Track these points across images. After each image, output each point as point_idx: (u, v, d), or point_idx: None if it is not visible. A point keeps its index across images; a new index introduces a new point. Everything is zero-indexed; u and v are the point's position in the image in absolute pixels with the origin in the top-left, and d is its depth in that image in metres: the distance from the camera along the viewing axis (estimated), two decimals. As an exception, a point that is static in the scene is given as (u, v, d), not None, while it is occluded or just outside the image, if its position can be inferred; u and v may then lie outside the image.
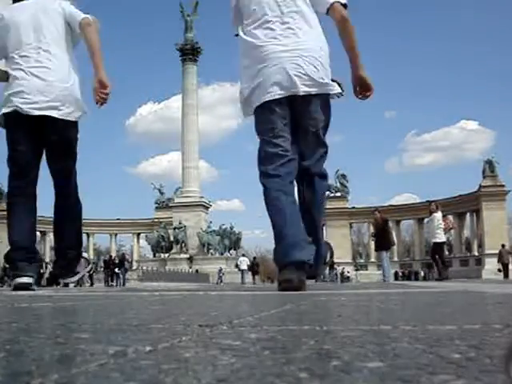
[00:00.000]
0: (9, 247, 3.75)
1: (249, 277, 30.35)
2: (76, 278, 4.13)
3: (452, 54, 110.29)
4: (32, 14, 3.79)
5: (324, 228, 3.88)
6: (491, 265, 34.56)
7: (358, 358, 0.55)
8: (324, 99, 3.20)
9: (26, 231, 3.75)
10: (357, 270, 49.77)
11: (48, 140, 3.76)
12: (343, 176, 53.69)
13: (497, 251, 25.74)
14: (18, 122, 3.65)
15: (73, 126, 3.80)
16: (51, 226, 4.12)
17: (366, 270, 51.05)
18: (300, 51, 3.11)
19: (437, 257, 12.16)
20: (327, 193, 38.25)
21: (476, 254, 48.70)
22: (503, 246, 25.85)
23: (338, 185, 53.75)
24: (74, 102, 3.73)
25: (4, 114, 3.69)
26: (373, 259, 50.54)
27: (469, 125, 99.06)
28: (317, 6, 3.26)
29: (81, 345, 0.69)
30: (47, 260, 29.51)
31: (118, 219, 59.78)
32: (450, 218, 19.49)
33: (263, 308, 1.62)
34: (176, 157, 77.71)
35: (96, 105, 3.69)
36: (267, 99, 3.10)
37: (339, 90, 3.22)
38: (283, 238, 2.97)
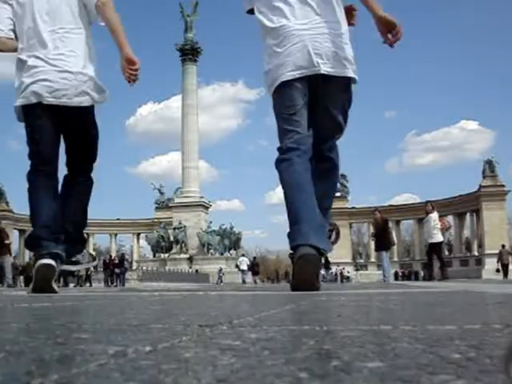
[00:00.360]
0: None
1: (249, 277, 30.35)
2: (76, 267, 3.69)
3: (452, 53, 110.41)
4: None
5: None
6: (491, 265, 34.52)
7: (358, 358, 0.55)
8: (345, 82, 3.16)
9: (51, 210, 3.41)
10: (357, 269, 49.81)
11: (67, 127, 3.65)
12: (343, 176, 53.68)
13: (497, 251, 25.73)
14: (40, 112, 3.48)
15: (91, 110, 3.68)
16: None
17: (366, 270, 51.07)
18: (321, 29, 3.07)
19: (434, 257, 12.15)
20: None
21: (476, 254, 48.71)
22: (503, 246, 25.84)
23: (338, 185, 53.73)
24: (92, 87, 3.62)
25: (25, 106, 3.48)
26: (373, 259, 50.55)
27: (469, 125, 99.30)
28: None
29: (81, 345, 0.69)
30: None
31: (118, 219, 59.81)
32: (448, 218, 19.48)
33: (263, 308, 1.62)
34: (176, 157, 77.74)
35: (128, 84, 3.55)
36: (288, 78, 3.06)
37: (355, 77, 3.16)
38: (301, 222, 2.85)
